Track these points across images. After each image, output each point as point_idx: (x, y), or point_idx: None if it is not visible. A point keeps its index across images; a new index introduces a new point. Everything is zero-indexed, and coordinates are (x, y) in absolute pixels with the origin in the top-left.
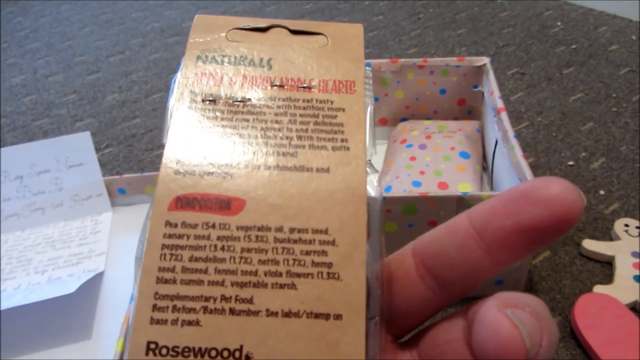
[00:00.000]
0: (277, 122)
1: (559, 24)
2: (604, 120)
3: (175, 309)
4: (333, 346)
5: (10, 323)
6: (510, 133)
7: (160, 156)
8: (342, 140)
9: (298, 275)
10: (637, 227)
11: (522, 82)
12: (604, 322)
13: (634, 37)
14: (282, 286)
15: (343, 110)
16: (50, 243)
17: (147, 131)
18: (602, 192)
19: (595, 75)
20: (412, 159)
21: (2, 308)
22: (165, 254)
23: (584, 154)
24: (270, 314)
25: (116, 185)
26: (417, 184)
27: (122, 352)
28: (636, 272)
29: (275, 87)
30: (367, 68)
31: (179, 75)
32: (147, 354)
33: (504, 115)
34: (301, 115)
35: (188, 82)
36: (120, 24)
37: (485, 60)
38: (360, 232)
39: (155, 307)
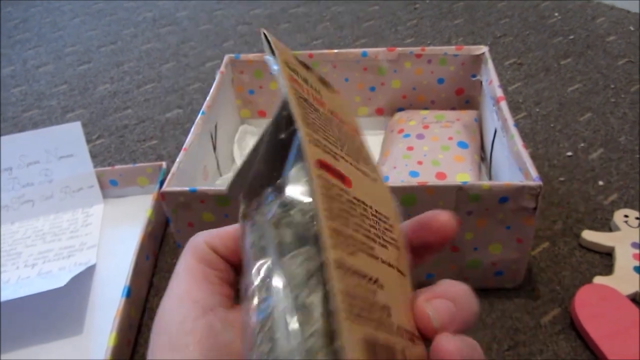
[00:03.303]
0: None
1: (556, 14)
2: (603, 110)
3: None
4: (406, 294)
5: None
6: (510, 122)
7: (151, 147)
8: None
9: (385, 241)
10: (637, 218)
11: (520, 73)
12: (605, 313)
13: (632, 28)
14: (383, 245)
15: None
16: (40, 236)
17: (139, 122)
18: (601, 183)
19: (594, 65)
20: (410, 149)
21: None
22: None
23: (582, 145)
24: (383, 262)
25: (107, 176)
26: (414, 174)
27: (114, 346)
28: (636, 263)
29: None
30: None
31: (285, 83)
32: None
33: (504, 104)
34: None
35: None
36: (112, 14)
37: (483, 49)
38: (399, 220)
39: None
